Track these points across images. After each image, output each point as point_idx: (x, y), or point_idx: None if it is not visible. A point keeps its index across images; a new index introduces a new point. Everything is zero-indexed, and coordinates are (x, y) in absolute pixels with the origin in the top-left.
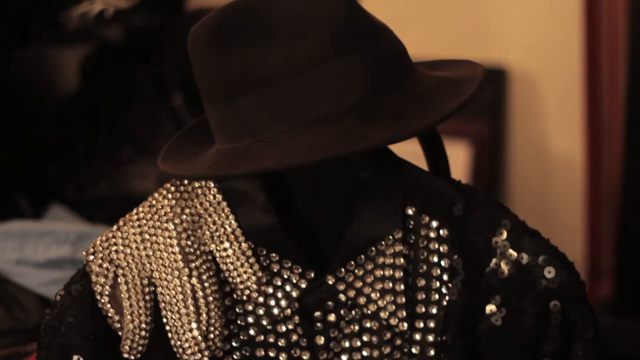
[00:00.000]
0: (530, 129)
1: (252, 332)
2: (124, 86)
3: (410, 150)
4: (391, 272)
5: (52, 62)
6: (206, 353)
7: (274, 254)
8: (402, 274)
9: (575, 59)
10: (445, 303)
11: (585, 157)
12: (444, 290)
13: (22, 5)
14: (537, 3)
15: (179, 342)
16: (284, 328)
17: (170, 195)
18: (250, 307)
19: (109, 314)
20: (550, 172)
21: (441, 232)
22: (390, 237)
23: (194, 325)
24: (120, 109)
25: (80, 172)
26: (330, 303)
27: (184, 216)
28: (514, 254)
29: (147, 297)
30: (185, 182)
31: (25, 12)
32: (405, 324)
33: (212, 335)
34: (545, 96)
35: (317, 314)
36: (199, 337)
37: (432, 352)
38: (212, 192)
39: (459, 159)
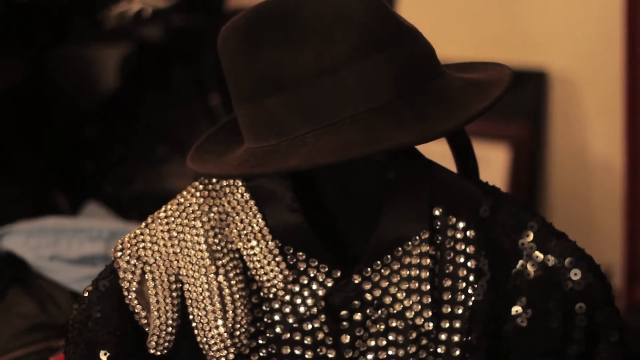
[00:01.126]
0: (570, 132)
1: (278, 329)
2: (161, 86)
3: (438, 151)
4: (417, 272)
5: (91, 61)
6: (232, 350)
7: (300, 253)
8: (428, 274)
9: (616, 63)
10: (471, 304)
11: (625, 162)
12: (470, 291)
13: (61, 4)
14: (579, 6)
15: (205, 339)
16: (310, 326)
17: (198, 194)
18: (276, 305)
19: (136, 310)
20: (590, 176)
21: (468, 233)
22: (417, 237)
23: (220, 322)
24: (158, 108)
25: (116, 170)
26: (356, 302)
27: (212, 214)
28: (540, 255)
29: (174, 294)
30: (214, 180)
31: (64, 11)
32: (431, 324)
33: (238, 332)
34: (586, 100)
35: (344, 312)
36: (225, 334)
37: (457, 352)
38: (239, 191)
39: (498, 162)
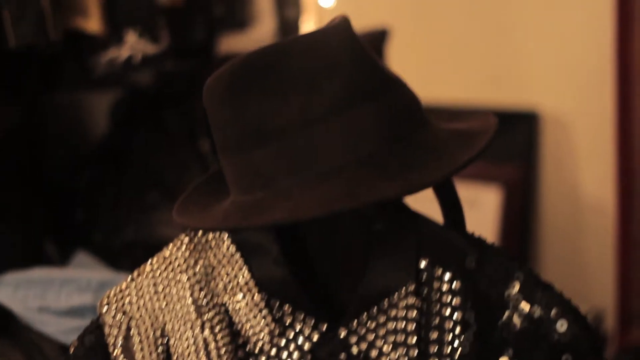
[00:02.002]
0: (562, 174)
1: None
2: (153, 131)
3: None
4: (403, 324)
5: (82, 106)
6: None
7: (287, 306)
8: (414, 326)
9: (607, 104)
10: (457, 356)
11: (616, 202)
12: (456, 343)
13: (52, 51)
14: (570, 48)
15: None
16: None
17: (184, 247)
18: (263, 359)
19: None
20: (582, 217)
21: (454, 284)
22: (403, 289)
23: None
24: (149, 153)
25: (107, 217)
26: (342, 356)
27: (198, 267)
28: (527, 307)
29: (160, 349)
30: (200, 233)
31: (54, 58)
32: None
33: None
34: (577, 141)
35: None
36: None
37: None
38: (225, 244)
39: (491, 203)
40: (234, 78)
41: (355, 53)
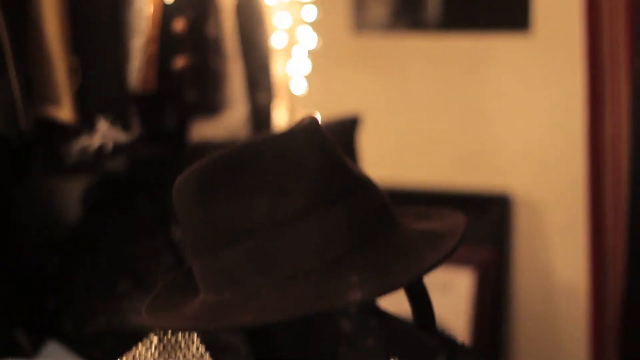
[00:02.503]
0: (534, 256)
1: None
2: (124, 217)
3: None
4: None
5: (54, 193)
6: None
7: None
8: None
9: (578, 186)
10: None
11: (588, 284)
12: None
13: (23, 140)
14: (540, 131)
15: None
16: None
17: (153, 348)
18: None
19: None
20: (555, 299)
21: None
22: None
23: None
24: (121, 240)
25: (78, 305)
26: None
27: None
28: None
29: None
30: (169, 333)
31: (25, 146)
32: None
33: None
34: (549, 223)
35: None
36: None
37: None
38: (195, 344)
39: (463, 286)
40: (202, 179)
41: (324, 156)
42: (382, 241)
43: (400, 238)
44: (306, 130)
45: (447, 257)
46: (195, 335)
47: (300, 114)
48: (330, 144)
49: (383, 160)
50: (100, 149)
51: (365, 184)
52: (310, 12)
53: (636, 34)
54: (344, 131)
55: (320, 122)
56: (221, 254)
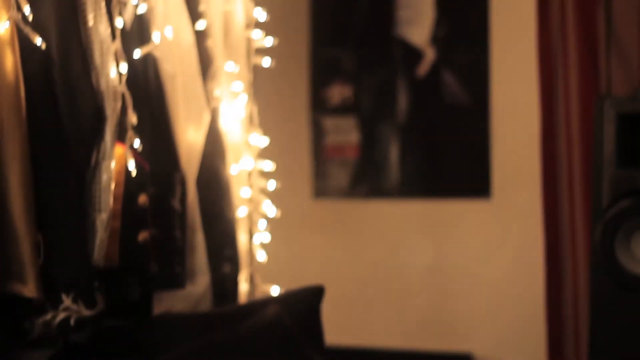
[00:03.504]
0: None
1: None
2: None
3: None
4: None
5: None
6: None
7: None
8: None
9: (540, 346)
10: None
11: None
12: None
13: None
14: (502, 293)
15: None
16: None
17: None
18: None
19: None
20: None
21: None
22: None
23: None
24: None
25: None
26: None
27: None
28: None
29: None
30: None
31: None
32: None
33: None
34: None
35: None
36: None
37: None
38: None
39: None
40: None
41: (286, 348)
42: None
43: None
44: (270, 325)
45: None
46: None
47: (263, 285)
48: (293, 336)
49: (346, 323)
50: (64, 323)
51: None
52: (272, 182)
53: (593, 207)
54: (308, 299)
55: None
56: None
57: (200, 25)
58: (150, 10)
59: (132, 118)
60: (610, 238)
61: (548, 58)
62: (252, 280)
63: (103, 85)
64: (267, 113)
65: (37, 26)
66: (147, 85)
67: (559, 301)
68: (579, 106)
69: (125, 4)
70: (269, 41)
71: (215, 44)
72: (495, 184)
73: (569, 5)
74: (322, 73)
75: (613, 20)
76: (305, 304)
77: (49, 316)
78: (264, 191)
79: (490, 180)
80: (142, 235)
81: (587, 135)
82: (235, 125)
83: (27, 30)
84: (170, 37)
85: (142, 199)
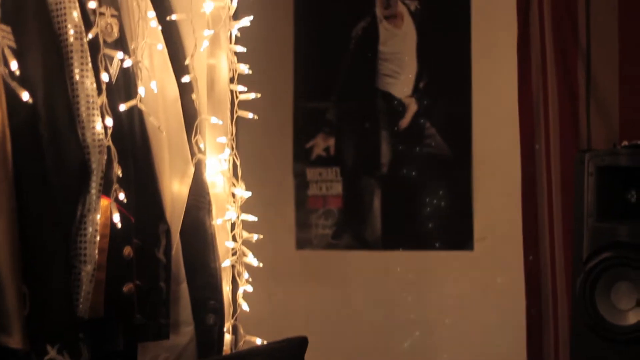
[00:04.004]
0: None
1: None
2: None
3: None
4: None
5: None
6: None
7: None
8: None
9: None
10: None
11: None
12: None
13: None
14: (485, 345)
15: None
16: None
17: None
18: None
19: None
20: None
21: None
22: None
23: None
24: None
25: None
26: None
27: None
28: None
29: None
30: None
31: None
32: None
33: None
34: None
35: None
36: None
37: None
38: None
39: None
40: None
41: None
42: None
43: None
44: None
45: None
46: None
47: (248, 336)
48: None
49: None
50: None
51: None
52: (256, 232)
53: (574, 259)
54: (291, 353)
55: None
56: None
57: (185, 78)
58: (135, 64)
59: (118, 171)
60: (590, 289)
61: (529, 111)
62: (236, 331)
63: (89, 139)
64: (251, 165)
65: (23, 81)
66: (132, 138)
67: (541, 353)
68: (560, 159)
69: (111, 59)
70: (252, 94)
71: (199, 97)
72: (477, 236)
73: (550, 60)
74: (305, 125)
75: (593, 74)
76: (289, 355)
77: None
78: (247, 242)
79: (473, 232)
80: (127, 287)
81: (568, 188)
82: (219, 178)
83: (14, 84)
84: (155, 91)
85: (127, 250)
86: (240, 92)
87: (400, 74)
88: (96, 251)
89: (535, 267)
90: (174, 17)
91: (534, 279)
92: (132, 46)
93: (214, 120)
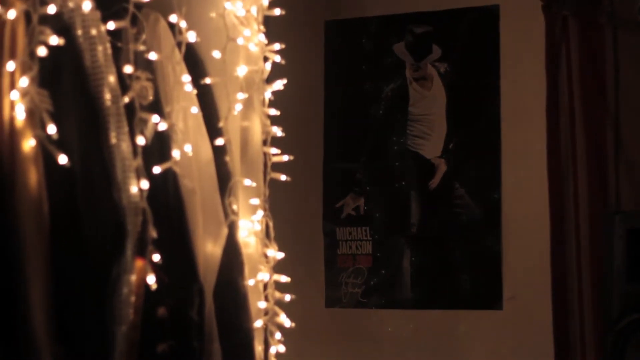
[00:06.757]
0: None
1: None
2: None
3: None
4: None
5: None
6: None
7: None
8: None
9: None
10: None
11: None
12: None
13: None
14: None
15: None
16: None
17: None
18: None
19: None
20: None
21: None
22: None
23: None
24: None
25: None
26: None
27: None
28: None
29: None
30: None
31: None
32: None
33: None
34: None
35: None
36: None
37: None
38: None
39: None
40: None
41: None
42: None
43: None
44: None
45: None
46: None
47: None
48: None
49: None
50: None
51: None
52: (286, 290)
53: (603, 320)
54: None
55: None
56: None
57: (219, 141)
58: (170, 127)
59: (153, 233)
60: (621, 350)
61: (558, 172)
62: None
63: (124, 201)
64: (281, 224)
65: (61, 144)
66: (167, 200)
67: None
68: (589, 220)
69: (146, 122)
70: (285, 157)
71: (233, 159)
72: (506, 296)
73: (579, 121)
74: (336, 186)
75: (621, 135)
76: None
77: None
78: (279, 302)
79: (502, 291)
80: (161, 347)
81: (596, 249)
82: (252, 238)
83: (52, 148)
84: (189, 153)
85: (161, 310)
86: (273, 155)
87: (430, 135)
88: (131, 311)
89: (564, 328)
90: (208, 80)
91: (563, 339)
92: (167, 109)
93: (247, 182)
